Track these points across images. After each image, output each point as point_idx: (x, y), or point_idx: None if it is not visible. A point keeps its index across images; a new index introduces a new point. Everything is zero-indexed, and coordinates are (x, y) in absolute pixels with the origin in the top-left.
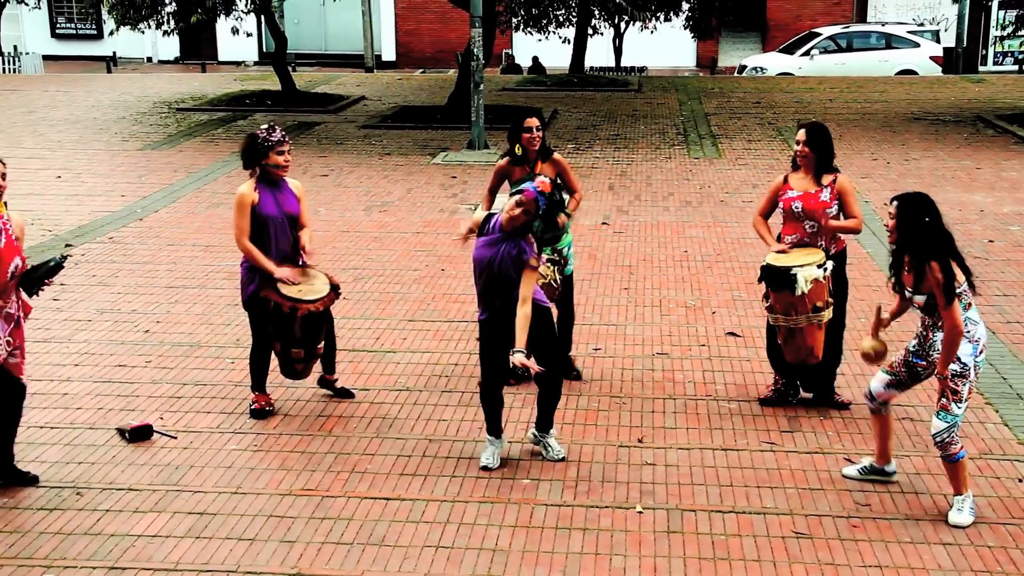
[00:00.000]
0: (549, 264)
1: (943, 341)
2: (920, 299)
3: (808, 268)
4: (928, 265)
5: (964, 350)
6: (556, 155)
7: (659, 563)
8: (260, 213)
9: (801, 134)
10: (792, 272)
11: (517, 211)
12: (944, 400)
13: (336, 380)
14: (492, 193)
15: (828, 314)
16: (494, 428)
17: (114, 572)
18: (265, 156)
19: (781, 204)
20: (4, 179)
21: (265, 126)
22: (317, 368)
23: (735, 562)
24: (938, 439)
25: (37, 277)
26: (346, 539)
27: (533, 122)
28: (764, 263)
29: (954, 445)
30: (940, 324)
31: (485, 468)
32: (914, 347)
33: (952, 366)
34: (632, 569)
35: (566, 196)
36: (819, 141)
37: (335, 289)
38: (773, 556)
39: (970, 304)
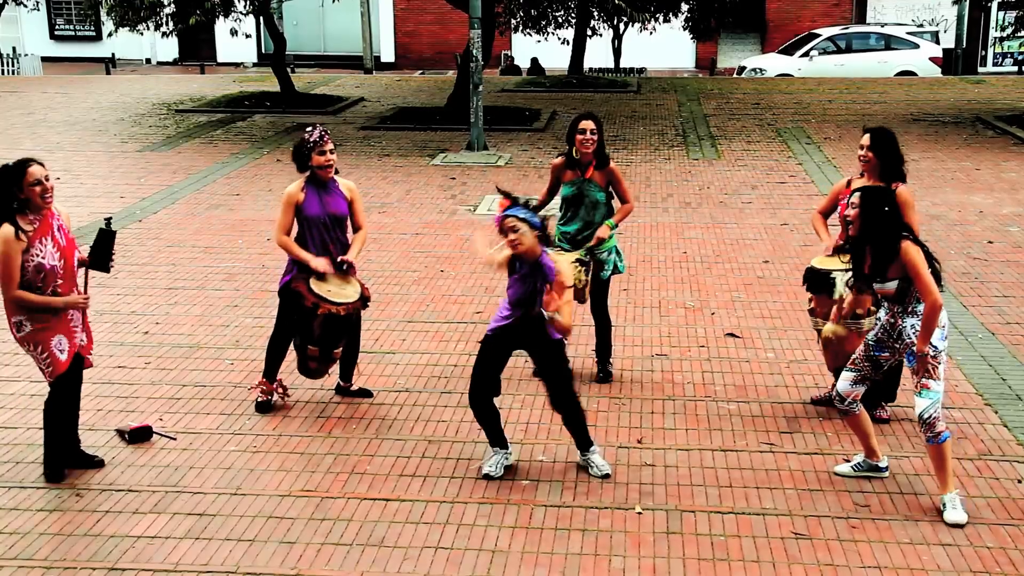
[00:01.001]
0: (577, 264)
1: (924, 316)
2: (891, 286)
3: (849, 273)
4: (900, 247)
5: (933, 336)
6: (612, 165)
7: (658, 564)
8: (303, 213)
9: (865, 139)
10: (832, 276)
11: (514, 243)
12: (924, 380)
13: (351, 387)
14: (551, 192)
15: (869, 323)
16: (496, 439)
17: (114, 573)
18: (309, 158)
19: (839, 208)
20: (48, 180)
21: (308, 128)
22: (334, 371)
23: (735, 563)
24: (925, 416)
25: (107, 253)
26: (345, 540)
27: (588, 124)
28: (808, 266)
29: (940, 423)
30: (911, 310)
31: (487, 476)
32: (875, 340)
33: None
34: (632, 570)
35: (615, 204)
36: (884, 146)
37: (364, 300)
38: (772, 557)
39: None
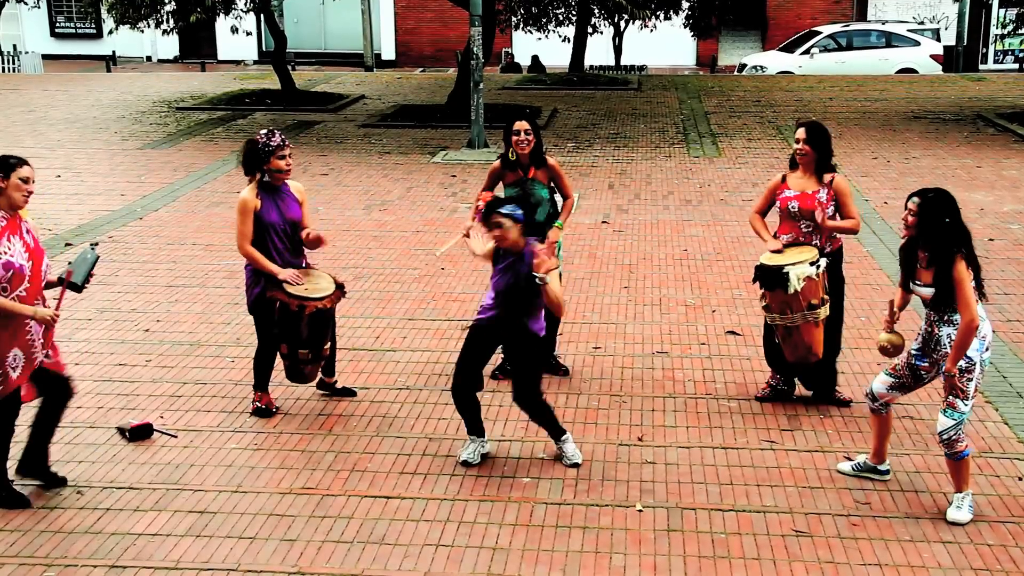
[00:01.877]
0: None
1: (957, 334)
2: (928, 292)
3: (800, 266)
4: (954, 259)
5: (971, 345)
6: (551, 160)
7: (659, 561)
8: (263, 220)
9: (800, 132)
10: (784, 271)
11: (498, 236)
12: (951, 398)
13: (335, 382)
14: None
15: (825, 311)
16: (474, 427)
17: (115, 571)
18: (267, 161)
19: (778, 203)
20: (31, 183)
21: (264, 131)
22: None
23: (735, 560)
24: (944, 436)
25: (86, 273)
26: (346, 537)
27: (522, 125)
28: (758, 263)
29: (960, 443)
30: (946, 319)
31: (465, 464)
32: (917, 349)
33: (959, 362)
34: (632, 567)
35: (559, 200)
36: (818, 140)
37: (340, 288)
38: (773, 554)
39: (978, 300)
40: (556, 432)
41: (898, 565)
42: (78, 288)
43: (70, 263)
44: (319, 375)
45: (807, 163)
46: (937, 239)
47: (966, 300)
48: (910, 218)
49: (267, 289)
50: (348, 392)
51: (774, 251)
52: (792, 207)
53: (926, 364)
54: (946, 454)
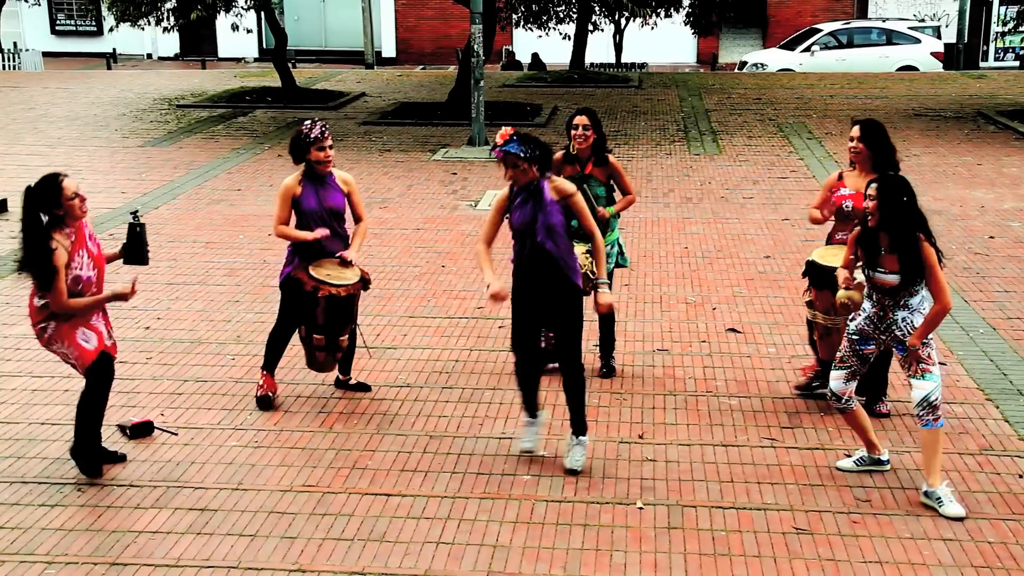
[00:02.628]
0: (588, 255)
1: (930, 316)
2: (893, 279)
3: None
4: (918, 240)
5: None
6: (611, 159)
7: (659, 559)
8: (300, 206)
9: (855, 130)
10: (837, 272)
11: (512, 175)
12: (921, 365)
13: (350, 379)
14: None
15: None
16: (529, 407)
17: (115, 568)
18: (307, 152)
19: (833, 201)
20: (80, 193)
21: (308, 122)
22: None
23: (735, 558)
24: (931, 398)
25: (142, 247)
26: (347, 535)
27: (581, 120)
28: (809, 258)
29: (940, 408)
30: (903, 303)
31: (528, 452)
32: (858, 333)
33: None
34: (633, 565)
35: (617, 196)
36: (874, 137)
37: (364, 282)
38: (773, 552)
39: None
40: (580, 424)
41: (898, 562)
42: (143, 263)
43: (124, 244)
44: (336, 371)
45: (862, 161)
46: (897, 221)
47: (940, 285)
48: (870, 203)
49: (295, 269)
50: (363, 387)
51: (825, 250)
52: (846, 206)
53: (871, 347)
54: (925, 423)
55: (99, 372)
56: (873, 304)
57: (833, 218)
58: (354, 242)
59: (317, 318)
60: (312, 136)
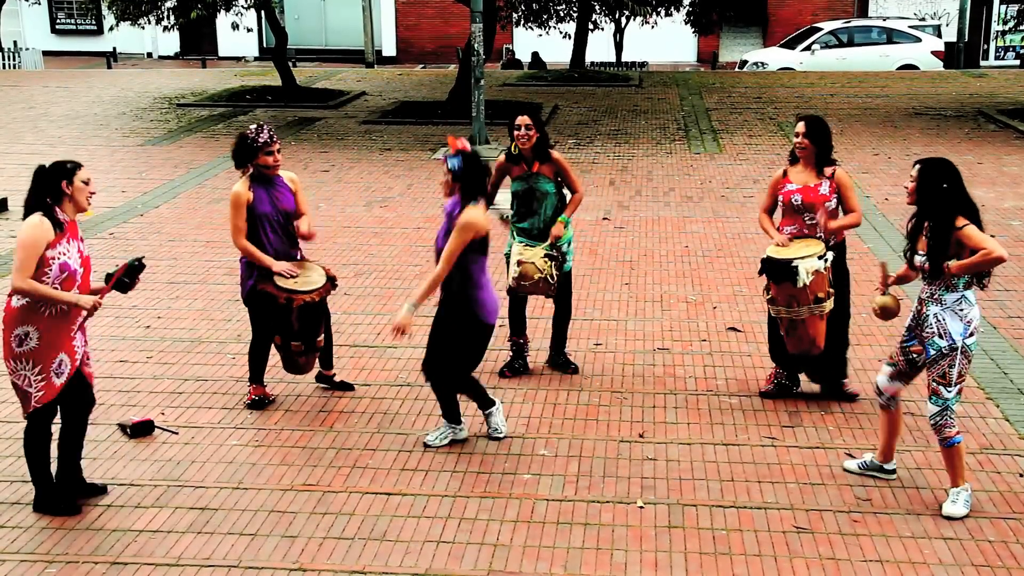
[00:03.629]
0: (547, 260)
1: (980, 255)
2: (921, 259)
3: (809, 260)
4: (951, 224)
5: (954, 328)
6: (555, 154)
7: (660, 558)
8: (255, 211)
9: (800, 126)
10: (794, 264)
11: (442, 180)
12: (935, 385)
13: (334, 375)
14: (492, 189)
15: (829, 304)
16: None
17: (116, 567)
18: (255, 156)
19: (780, 197)
20: (91, 184)
21: (254, 126)
22: (317, 364)
23: (736, 557)
24: (932, 423)
25: (131, 282)
26: (347, 534)
27: (523, 120)
28: (764, 256)
29: (948, 429)
30: (936, 297)
31: (428, 446)
32: (906, 329)
33: (940, 342)
34: (633, 564)
35: (567, 194)
36: (818, 133)
37: (331, 281)
38: (774, 551)
39: (970, 285)
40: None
41: (899, 561)
42: (123, 291)
43: (117, 266)
44: (317, 367)
45: (807, 156)
46: (935, 205)
47: (989, 249)
48: (910, 185)
49: (258, 282)
50: (346, 386)
51: (779, 244)
52: (795, 200)
53: (916, 345)
54: (938, 441)
55: (73, 400)
56: (916, 301)
57: (782, 214)
58: (302, 226)
59: (292, 326)
60: (260, 141)
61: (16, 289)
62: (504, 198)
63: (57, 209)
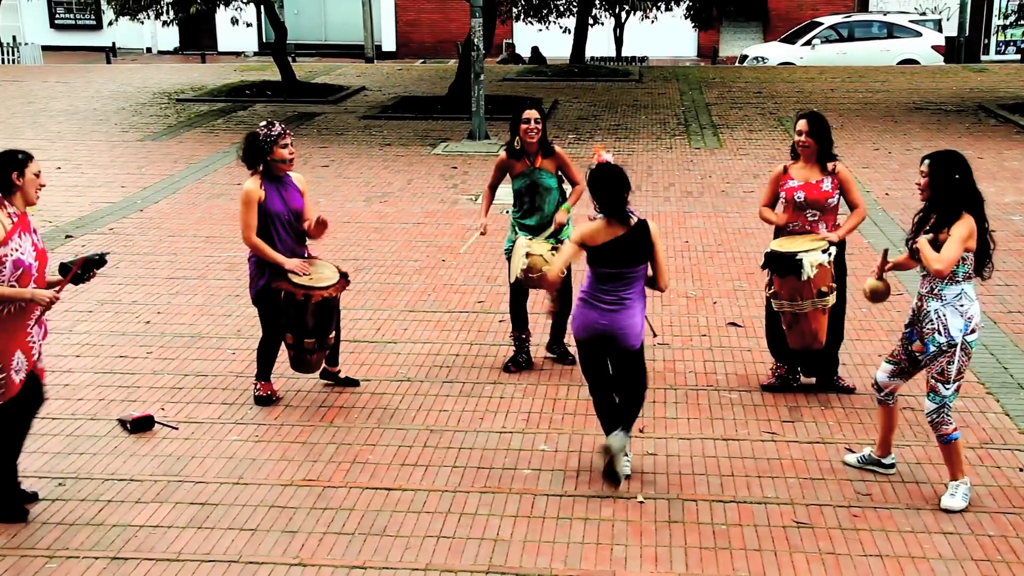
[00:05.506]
0: (554, 252)
1: (935, 254)
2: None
3: (813, 253)
4: (958, 217)
5: (954, 324)
6: (558, 149)
7: (660, 552)
8: (267, 209)
9: (802, 124)
10: (798, 257)
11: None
12: (932, 382)
13: (339, 371)
14: (492, 189)
15: (832, 299)
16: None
17: (116, 562)
18: (269, 152)
19: (783, 194)
20: (40, 177)
21: (264, 123)
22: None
23: (736, 551)
24: (929, 419)
25: (86, 275)
26: (347, 529)
27: (532, 114)
28: (768, 250)
29: (946, 426)
30: (935, 292)
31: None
32: (907, 326)
33: (940, 338)
34: (633, 559)
35: (567, 188)
36: (821, 130)
37: (344, 276)
38: (774, 545)
39: (969, 277)
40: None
41: (898, 556)
42: (79, 278)
43: (76, 255)
44: (323, 364)
45: (809, 154)
46: (946, 198)
47: (951, 251)
48: (922, 179)
49: (272, 280)
50: (351, 382)
51: (783, 238)
52: (798, 197)
53: (917, 343)
54: (936, 438)
55: (24, 398)
56: (915, 297)
57: (783, 210)
58: (313, 216)
59: (307, 323)
60: (274, 134)
61: None
62: (505, 193)
63: (6, 202)
